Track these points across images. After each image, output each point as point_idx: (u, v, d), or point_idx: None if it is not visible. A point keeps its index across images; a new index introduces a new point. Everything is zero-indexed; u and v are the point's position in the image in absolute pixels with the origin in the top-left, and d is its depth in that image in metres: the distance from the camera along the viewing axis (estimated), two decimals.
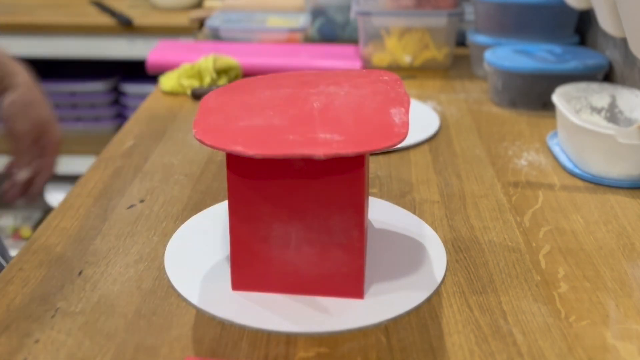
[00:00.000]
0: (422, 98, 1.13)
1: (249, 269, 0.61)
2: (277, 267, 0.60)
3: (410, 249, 0.69)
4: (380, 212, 0.75)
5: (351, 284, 0.60)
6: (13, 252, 0.86)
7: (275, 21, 1.47)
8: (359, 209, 0.58)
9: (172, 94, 1.16)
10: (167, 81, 1.16)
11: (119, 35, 1.85)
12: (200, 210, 0.76)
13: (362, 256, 0.59)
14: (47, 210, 2.13)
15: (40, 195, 0.84)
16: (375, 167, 0.87)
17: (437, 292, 0.62)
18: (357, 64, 1.26)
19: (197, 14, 1.79)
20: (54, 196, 2.03)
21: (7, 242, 2.08)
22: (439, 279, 0.64)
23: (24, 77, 0.86)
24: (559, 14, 1.20)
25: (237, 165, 0.58)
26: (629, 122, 0.91)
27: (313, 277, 0.60)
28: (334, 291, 0.61)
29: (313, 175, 0.57)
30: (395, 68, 1.29)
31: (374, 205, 0.77)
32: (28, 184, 0.87)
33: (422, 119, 1.02)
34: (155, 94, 1.17)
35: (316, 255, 0.59)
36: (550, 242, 0.71)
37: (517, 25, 1.21)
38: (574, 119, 0.85)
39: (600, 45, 1.18)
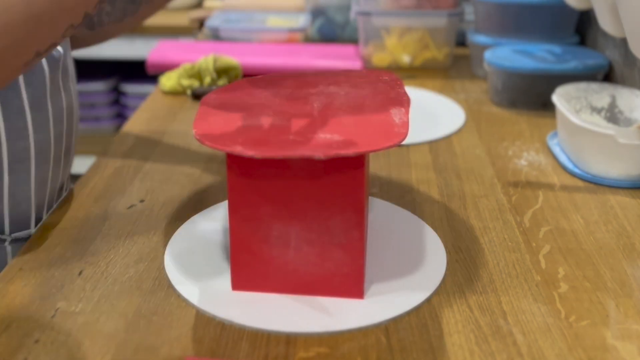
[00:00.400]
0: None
1: (249, 269, 0.61)
2: (277, 267, 0.60)
3: (410, 249, 0.69)
4: (380, 212, 0.75)
5: (351, 284, 0.60)
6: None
7: (275, 21, 1.47)
8: (359, 209, 0.58)
9: (172, 94, 1.16)
10: (167, 81, 1.16)
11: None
12: (200, 210, 0.76)
13: (362, 256, 0.59)
14: None
15: None
16: (375, 167, 0.87)
17: (437, 292, 0.62)
18: (357, 64, 1.26)
19: (197, 14, 1.80)
20: None
21: None
22: (439, 279, 0.64)
23: None
24: (559, 14, 1.20)
25: (237, 165, 0.58)
26: (629, 122, 0.91)
27: (313, 277, 0.60)
28: (334, 291, 0.61)
29: (313, 176, 0.57)
30: (395, 68, 1.29)
31: (374, 205, 0.77)
32: None
33: (448, 113, 1.06)
34: (155, 94, 1.17)
35: (316, 255, 0.59)
36: (550, 242, 0.71)
37: (517, 25, 1.21)
38: (574, 119, 0.85)
39: (600, 45, 1.18)
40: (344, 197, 0.57)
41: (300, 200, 0.58)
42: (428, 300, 0.61)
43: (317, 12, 1.45)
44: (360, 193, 0.58)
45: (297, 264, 0.60)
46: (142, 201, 0.79)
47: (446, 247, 0.70)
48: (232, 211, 0.59)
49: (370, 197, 0.78)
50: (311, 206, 0.58)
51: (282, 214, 0.59)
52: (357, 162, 0.57)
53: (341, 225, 0.58)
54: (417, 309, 0.60)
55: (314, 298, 0.61)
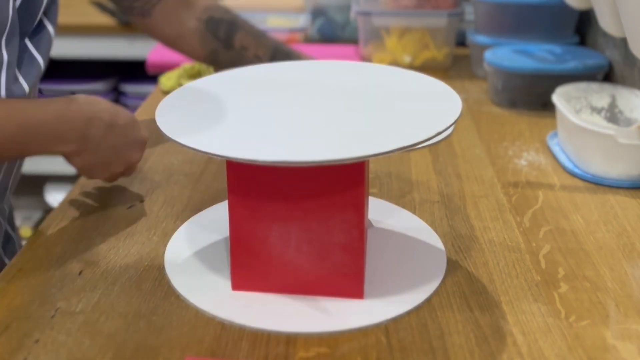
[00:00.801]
0: None
1: (249, 269, 0.61)
2: (277, 267, 0.60)
3: (411, 249, 0.69)
4: (381, 212, 0.75)
5: (351, 284, 0.60)
6: None
7: (275, 21, 1.47)
8: (359, 209, 0.58)
9: None
10: (167, 81, 1.16)
11: (119, 35, 1.84)
12: (200, 210, 0.76)
13: (362, 256, 0.59)
14: (47, 210, 2.13)
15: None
16: (375, 167, 0.87)
17: (437, 292, 0.62)
18: None
19: None
20: (54, 196, 2.03)
21: None
22: (439, 278, 0.64)
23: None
24: (559, 14, 1.20)
25: (237, 165, 0.58)
26: (629, 122, 0.91)
27: (313, 277, 0.60)
28: (334, 291, 0.60)
29: (313, 176, 0.57)
30: None
31: (374, 205, 0.77)
32: None
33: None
34: (155, 94, 1.17)
35: (316, 255, 0.59)
36: (550, 242, 0.71)
37: (517, 25, 1.21)
38: (574, 119, 0.85)
39: (600, 45, 1.18)
40: (344, 197, 0.57)
41: (300, 201, 0.58)
42: (428, 300, 0.61)
43: (317, 12, 1.45)
44: (360, 193, 0.58)
45: (297, 264, 0.60)
46: (142, 201, 0.79)
47: (446, 247, 0.70)
48: (232, 211, 0.59)
49: (370, 197, 0.78)
50: (311, 206, 0.58)
51: (282, 214, 0.59)
52: (357, 163, 0.57)
53: (341, 225, 0.58)
54: (417, 309, 0.60)
55: (314, 298, 0.61)
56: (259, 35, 1.00)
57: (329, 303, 0.60)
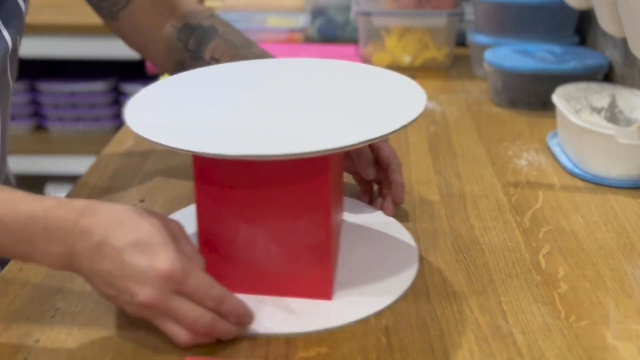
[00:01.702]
0: None
1: (217, 269, 0.59)
2: (244, 268, 0.60)
3: (381, 250, 0.68)
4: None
5: (319, 285, 0.60)
6: None
7: (275, 21, 1.47)
8: (326, 211, 0.57)
9: None
10: None
11: None
12: None
13: (330, 257, 0.59)
14: None
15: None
16: None
17: (437, 292, 0.62)
18: None
19: None
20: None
21: None
22: (408, 282, 0.63)
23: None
24: (559, 14, 1.20)
25: (204, 165, 0.57)
26: (629, 122, 0.91)
27: (281, 278, 0.60)
28: (302, 292, 0.60)
29: (280, 176, 0.57)
30: (395, 68, 1.28)
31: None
32: None
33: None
34: None
35: (284, 256, 0.59)
36: (550, 242, 0.71)
37: (517, 25, 1.21)
38: (574, 119, 0.85)
39: (600, 45, 1.18)
40: (309, 199, 0.57)
41: (267, 202, 0.58)
42: (428, 300, 0.61)
43: (317, 12, 1.45)
44: (327, 194, 0.57)
45: (264, 265, 0.60)
46: (142, 201, 0.79)
47: (446, 246, 0.70)
48: (200, 212, 0.59)
49: (349, 199, 0.77)
50: (278, 207, 0.58)
51: (249, 215, 0.58)
52: (321, 163, 0.56)
53: (308, 226, 0.58)
54: (417, 309, 0.60)
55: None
56: (237, 46, 0.85)
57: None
